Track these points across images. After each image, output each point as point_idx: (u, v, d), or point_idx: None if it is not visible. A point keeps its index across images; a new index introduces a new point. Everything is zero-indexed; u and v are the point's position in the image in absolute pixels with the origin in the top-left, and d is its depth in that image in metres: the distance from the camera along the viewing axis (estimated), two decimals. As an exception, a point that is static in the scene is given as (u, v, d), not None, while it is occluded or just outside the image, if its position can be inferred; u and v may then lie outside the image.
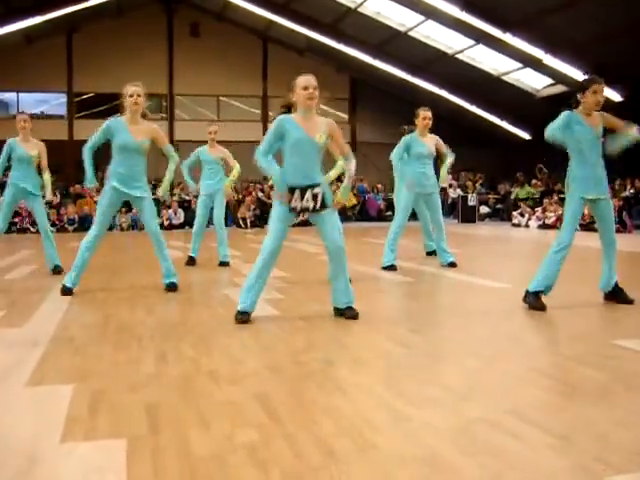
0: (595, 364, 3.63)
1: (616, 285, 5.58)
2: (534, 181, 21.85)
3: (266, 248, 4.86)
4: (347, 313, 5.01)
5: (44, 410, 2.95)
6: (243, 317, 4.85)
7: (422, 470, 2.26)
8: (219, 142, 8.97)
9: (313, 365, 3.68)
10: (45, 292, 6.41)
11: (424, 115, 8.13)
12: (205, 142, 8.92)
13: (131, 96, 6.16)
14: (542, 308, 5.24)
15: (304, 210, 4.83)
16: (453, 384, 3.28)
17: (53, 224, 18.50)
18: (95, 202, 19.01)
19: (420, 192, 8.21)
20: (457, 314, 5.28)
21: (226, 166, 8.95)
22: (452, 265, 8.26)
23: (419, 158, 8.14)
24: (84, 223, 19.05)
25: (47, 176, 8.03)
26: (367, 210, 23.05)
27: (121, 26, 23.76)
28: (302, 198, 4.78)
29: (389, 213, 21.42)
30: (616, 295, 5.58)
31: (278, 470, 2.26)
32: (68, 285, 6.31)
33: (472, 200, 21.89)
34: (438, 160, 8.50)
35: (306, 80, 4.83)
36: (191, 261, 8.87)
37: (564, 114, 5.30)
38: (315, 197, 4.80)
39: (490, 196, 23.49)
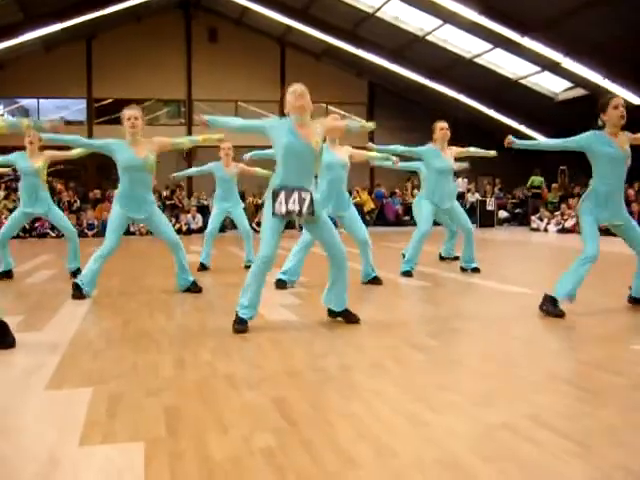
0: (615, 370, 3.60)
1: None
2: (554, 185, 21.74)
3: (260, 259, 4.71)
4: (348, 316, 5.03)
5: (63, 413, 2.97)
6: (242, 326, 4.71)
7: (441, 476, 2.25)
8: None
9: (331, 370, 3.67)
10: (65, 296, 6.45)
11: (441, 126, 7.99)
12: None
13: (128, 119, 6.21)
14: (561, 315, 5.17)
15: (289, 214, 4.65)
16: (472, 389, 3.27)
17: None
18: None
19: (439, 207, 8.07)
20: (475, 319, 5.25)
21: (242, 179, 9.02)
22: (476, 270, 8.22)
23: (439, 173, 7.97)
24: (105, 228, 19.16)
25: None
26: (385, 215, 23.01)
27: (140, 32, 23.93)
28: (287, 201, 4.62)
29: (407, 218, 21.37)
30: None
31: (295, 475, 2.26)
32: (79, 284, 6.39)
33: (490, 205, 21.78)
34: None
35: (293, 89, 4.72)
36: (202, 267, 8.91)
37: (588, 133, 5.28)
38: (302, 201, 4.63)
39: (509, 200, 23.37)
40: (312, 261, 9.56)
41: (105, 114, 23.79)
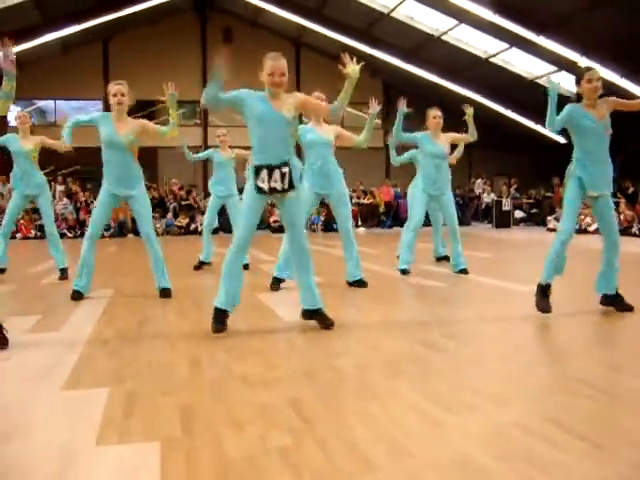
0: (632, 371, 3.57)
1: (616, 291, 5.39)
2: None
3: (236, 239, 4.65)
4: (315, 318, 4.83)
5: (80, 413, 2.98)
6: (222, 316, 4.68)
7: (456, 476, 2.24)
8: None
9: (347, 370, 3.67)
10: (81, 296, 6.49)
11: (433, 114, 8.03)
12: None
13: (114, 95, 6.15)
14: (547, 310, 5.11)
15: (273, 190, 4.54)
16: (487, 389, 3.25)
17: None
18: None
19: (431, 193, 8.03)
20: (491, 319, 5.23)
21: (239, 165, 9.06)
22: (463, 272, 8.04)
23: (432, 158, 7.99)
24: (121, 229, 19.31)
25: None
26: (400, 215, 22.96)
27: (155, 33, 24.07)
28: (270, 178, 4.51)
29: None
30: (614, 301, 5.39)
31: (310, 474, 2.26)
32: (76, 289, 6.38)
33: (507, 205, 21.68)
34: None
35: (273, 66, 4.59)
36: (200, 265, 9.06)
37: (567, 107, 5.29)
38: (283, 176, 4.52)
39: (524, 201, 23.26)
40: (327, 260, 9.57)
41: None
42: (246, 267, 8.89)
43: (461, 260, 8.14)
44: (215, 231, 9.42)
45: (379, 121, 26.58)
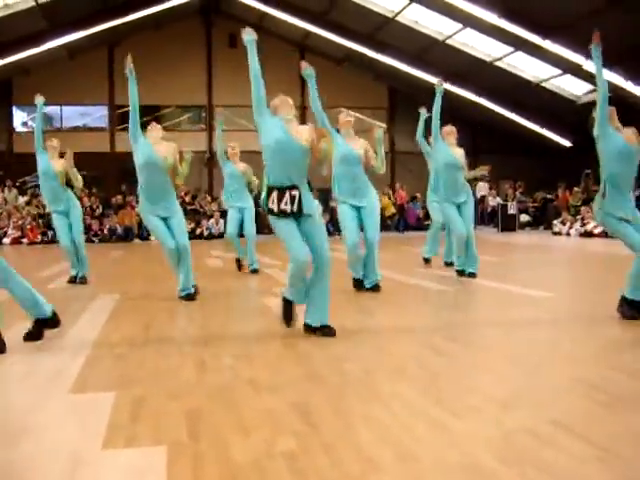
0: (640, 374, 3.56)
1: None
2: (576, 189, 21.56)
3: (293, 262, 4.67)
4: (321, 331, 4.69)
5: (87, 416, 2.99)
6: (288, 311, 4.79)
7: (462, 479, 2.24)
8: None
9: (352, 374, 3.67)
10: (87, 301, 6.50)
11: (450, 130, 8.20)
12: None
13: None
14: (634, 317, 5.04)
15: (282, 212, 4.59)
16: (494, 393, 3.25)
17: (95, 234, 18.78)
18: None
19: (454, 201, 8.13)
20: (498, 323, 5.22)
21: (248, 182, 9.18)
22: (471, 275, 8.03)
23: (447, 167, 8.08)
24: (128, 234, 19.33)
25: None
26: (406, 219, 22.95)
27: (161, 38, 24.11)
28: (280, 200, 4.58)
29: (428, 222, 21.28)
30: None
31: (316, 478, 2.26)
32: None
33: (512, 208, 21.65)
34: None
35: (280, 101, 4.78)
36: (238, 263, 9.25)
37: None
38: (293, 199, 4.58)
39: (530, 204, 23.20)
40: (334, 266, 9.53)
41: (127, 121, 23.90)
42: (255, 271, 8.93)
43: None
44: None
45: (384, 125, 26.61)
